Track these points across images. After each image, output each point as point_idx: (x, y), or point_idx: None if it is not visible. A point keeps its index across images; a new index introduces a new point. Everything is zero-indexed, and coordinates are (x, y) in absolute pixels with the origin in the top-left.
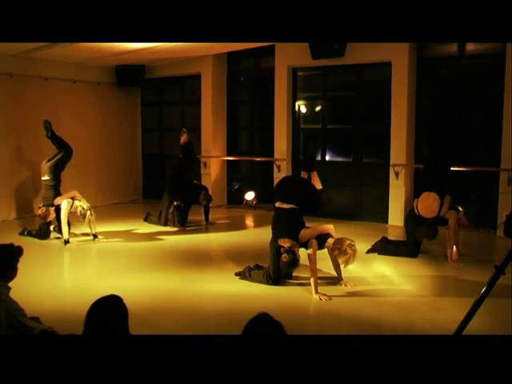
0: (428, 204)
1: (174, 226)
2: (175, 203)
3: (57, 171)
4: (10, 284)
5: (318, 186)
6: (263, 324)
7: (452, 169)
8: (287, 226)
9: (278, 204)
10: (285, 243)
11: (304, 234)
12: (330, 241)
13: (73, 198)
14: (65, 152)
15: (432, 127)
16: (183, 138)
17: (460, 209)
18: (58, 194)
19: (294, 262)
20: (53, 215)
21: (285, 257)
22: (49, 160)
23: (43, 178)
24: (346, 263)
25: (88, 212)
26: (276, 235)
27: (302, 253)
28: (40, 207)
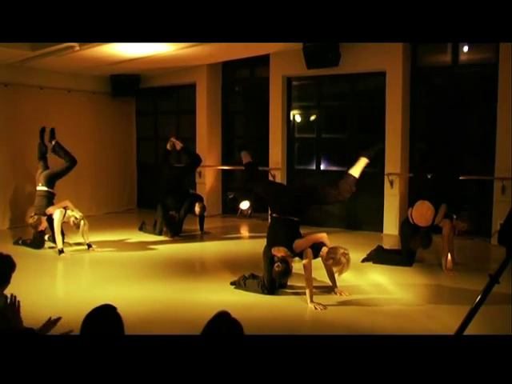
0: (422, 212)
1: (167, 236)
2: (169, 212)
3: (53, 181)
4: (6, 293)
5: None
6: (222, 323)
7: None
8: (282, 235)
9: (275, 214)
10: (278, 252)
11: (298, 244)
12: (324, 250)
13: (65, 208)
14: (70, 163)
15: (426, 136)
16: (178, 146)
17: (454, 216)
18: (50, 203)
19: (287, 271)
20: (44, 224)
21: (277, 266)
22: (44, 169)
23: (38, 188)
24: (340, 272)
25: (81, 222)
26: (270, 243)
27: (297, 261)
28: (31, 216)
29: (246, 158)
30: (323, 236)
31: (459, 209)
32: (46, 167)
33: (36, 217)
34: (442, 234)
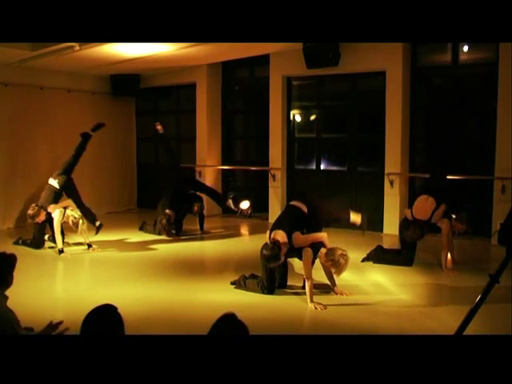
0: (423, 205)
1: (167, 235)
2: (167, 211)
3: (66, 187)
4: (7, 293)
5: None
6: (228, 324)
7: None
8: (290, 222)
9: (293, 202)
10: (276, 235)
11: (297, 237)
12: (323, 251)
13: (65, 208)
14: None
15: (426, 136)
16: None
17: (453, 216)
18: (55, 201)
19: (276, 256)
20: (42, 218)
21: (266, 249)
22: (66, 173)
23: (51, 182)
24: (339, 273)
25: (80, 221)
26: (273, 227)
27: (298, 262)
28: (32, 206)
29: None
30: (323, 236)
31: (459, 209)
32: (68, 171)
33: (36, 208)
34: (441, 234)
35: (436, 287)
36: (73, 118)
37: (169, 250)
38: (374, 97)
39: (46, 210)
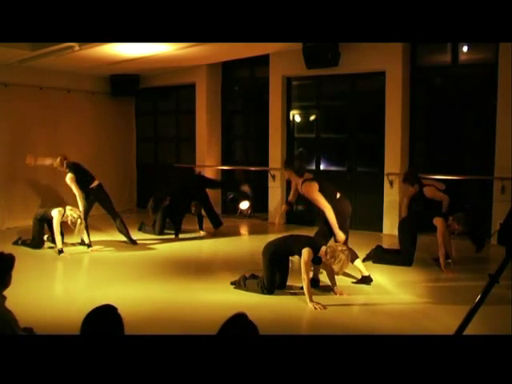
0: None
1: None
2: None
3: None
4: (6, 293)
5: None
6: (238, 324)
7: (446, 177)
8: (318, 178)
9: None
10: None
11: (310, 184)
12: (323, 249)
13: (64, 207)
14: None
15: (426, 136)
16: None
17: (450, 218)
18: (79, 182)
19: (287, 165)
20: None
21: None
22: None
23: (96, 182)
24: (341, 269)
25: (78, 221)
26: None
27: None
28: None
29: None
30: (328, 207)
31: (457, 210)
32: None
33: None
34: (437, 233)
35: (435, 287)
36: (72, 118)
37: (168, 250)
38: (374, 97)
39: (67, 168)
